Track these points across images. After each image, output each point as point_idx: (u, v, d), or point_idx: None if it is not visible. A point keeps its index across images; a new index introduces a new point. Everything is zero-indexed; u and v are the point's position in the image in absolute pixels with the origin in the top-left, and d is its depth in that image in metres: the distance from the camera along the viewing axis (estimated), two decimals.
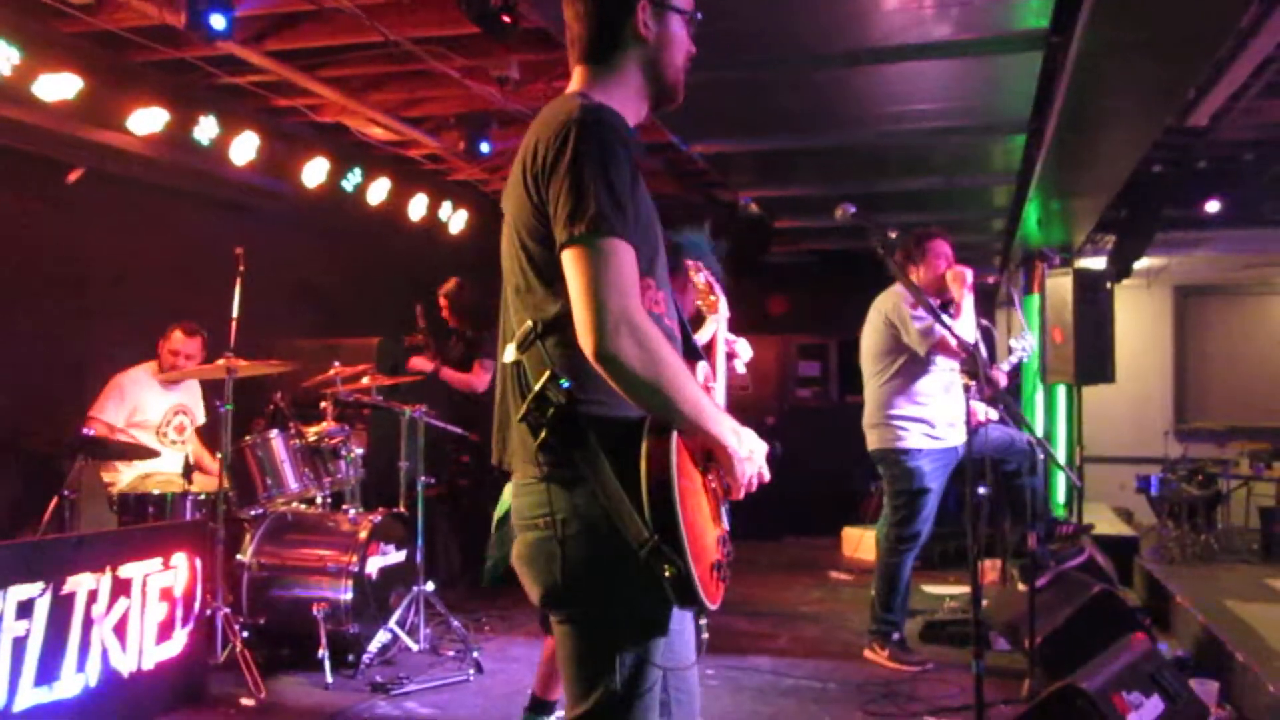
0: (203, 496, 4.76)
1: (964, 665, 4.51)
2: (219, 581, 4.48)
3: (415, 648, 4.95)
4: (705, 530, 1.77)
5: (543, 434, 1.73)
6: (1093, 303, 6.58)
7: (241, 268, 4.77)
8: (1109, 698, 3.12)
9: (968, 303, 4.71)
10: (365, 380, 5.35)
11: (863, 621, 5.20)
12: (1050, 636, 4.24)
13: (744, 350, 3.17)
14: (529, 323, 1.81)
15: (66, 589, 3.59)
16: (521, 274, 1.84)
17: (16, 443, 5.17)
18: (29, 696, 3.42)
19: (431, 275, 6.44)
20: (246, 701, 4.20)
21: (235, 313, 4.81)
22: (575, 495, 1.75)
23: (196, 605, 4.23)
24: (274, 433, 4.88)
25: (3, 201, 5.27)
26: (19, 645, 3.40)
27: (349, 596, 4.65)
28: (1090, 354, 6.51)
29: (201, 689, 4.25)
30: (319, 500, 5.11)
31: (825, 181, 7.10)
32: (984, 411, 4.67)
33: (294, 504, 5.06)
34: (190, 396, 5.47)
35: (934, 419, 4.85)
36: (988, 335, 5.05)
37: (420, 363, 6.13)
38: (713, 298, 2.96)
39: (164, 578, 4.07)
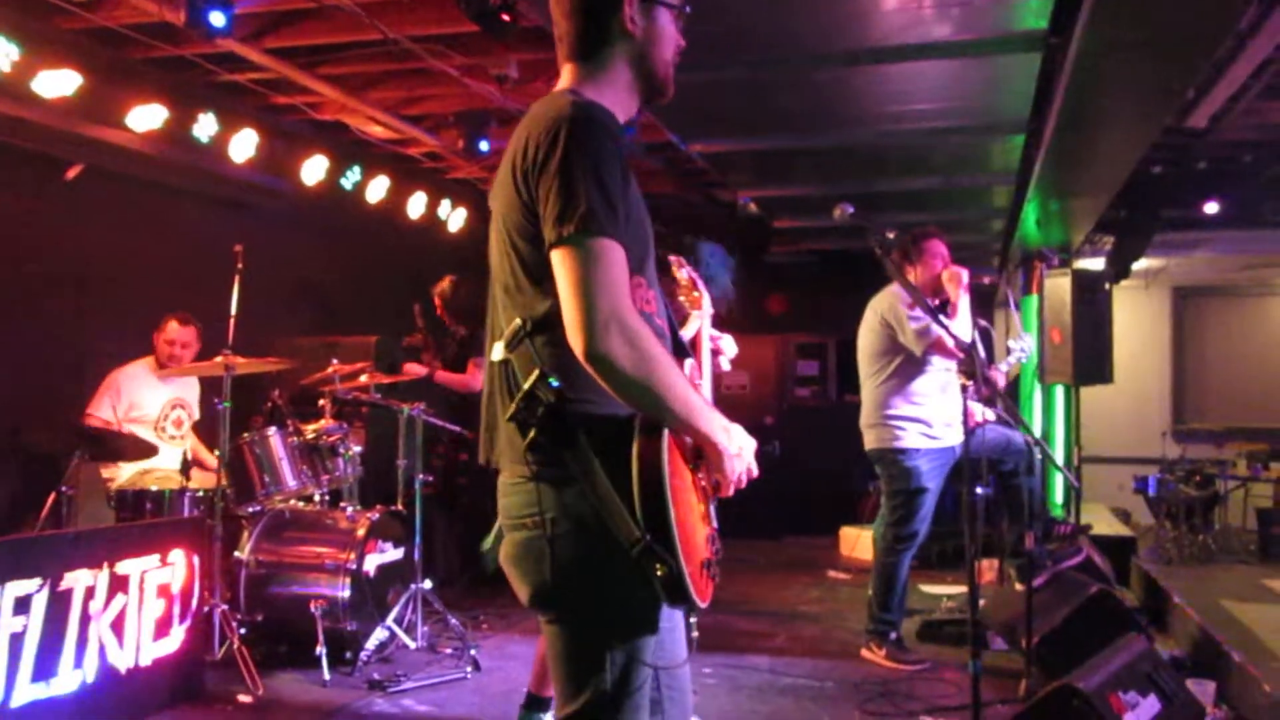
0: (201, 493, 4.76)
1: (961, 665, 4.52)
2: (217, 578, 4.48)
3: (413, 645, 4.95)
4: (696, 529, 1.77)
5: (532, 433, 1.72)
6: (1091, 303, 6.58)
7: (240, 265, 4.77)
8: (1106, 697, 3.13)
9: (964, 303, 4.72)
10: (363, 378, 5.35)
11: (860, 621, 5.20)
12: (1047, 636, 4.25)
13: (729, 346, 3.18)
14: (517, 321, 1.80)
15: (64, 585, 3.59)
16: (510, 272, 1.83)
17: (15, 439, 5.17)
18: (26, 692, 3.42)
19: (430, 273, 6.44)
20: (244, 698, 4.20)
21: (234, 310, 4.80)
22: (565, 494, 1.74)
23: (194, 602, 4.23)
24: (272, 430, 4.88)
25: (1, 199, 5.27)
26: (16, 641, 3.40)
27: (347, 594, 4.65)
28: (1088, 354, 6.51)
29: (199, 686, 4.25)
30: (317, 498, 5.11)
31: (824, 181, 7.10)
32: (981, 412, 4.68)
33: (292, 501, 5.05)
34: (187, 390, 5.48)
35: (931, 419, 4.85)
36: (986, 336, 5.06)
37: (414, 369, 6.11)
38: (696, 293, 2.95)
39: (162, 574, 4.07)
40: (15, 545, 3.64)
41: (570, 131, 1.71)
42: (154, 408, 5.27)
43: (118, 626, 3.83)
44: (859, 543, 8.15)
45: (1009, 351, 5.32)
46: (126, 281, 5.70)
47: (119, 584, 3.85)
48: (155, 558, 4.04)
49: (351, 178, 6.66)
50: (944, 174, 6.88)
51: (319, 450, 5.00)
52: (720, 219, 8.17)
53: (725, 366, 3.15)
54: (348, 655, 4.66)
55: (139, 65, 5.34)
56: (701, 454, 1.84)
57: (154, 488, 4.76)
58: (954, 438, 4.83)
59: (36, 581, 3.48)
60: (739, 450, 1.84)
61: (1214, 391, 10.49)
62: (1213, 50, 4.21)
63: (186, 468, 4.67)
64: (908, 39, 4.42)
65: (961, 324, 4.63)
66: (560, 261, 1.69)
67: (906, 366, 4.86)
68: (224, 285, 4.79)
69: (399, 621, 4.92)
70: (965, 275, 4.81)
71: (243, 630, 4.48)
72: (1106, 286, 6.86)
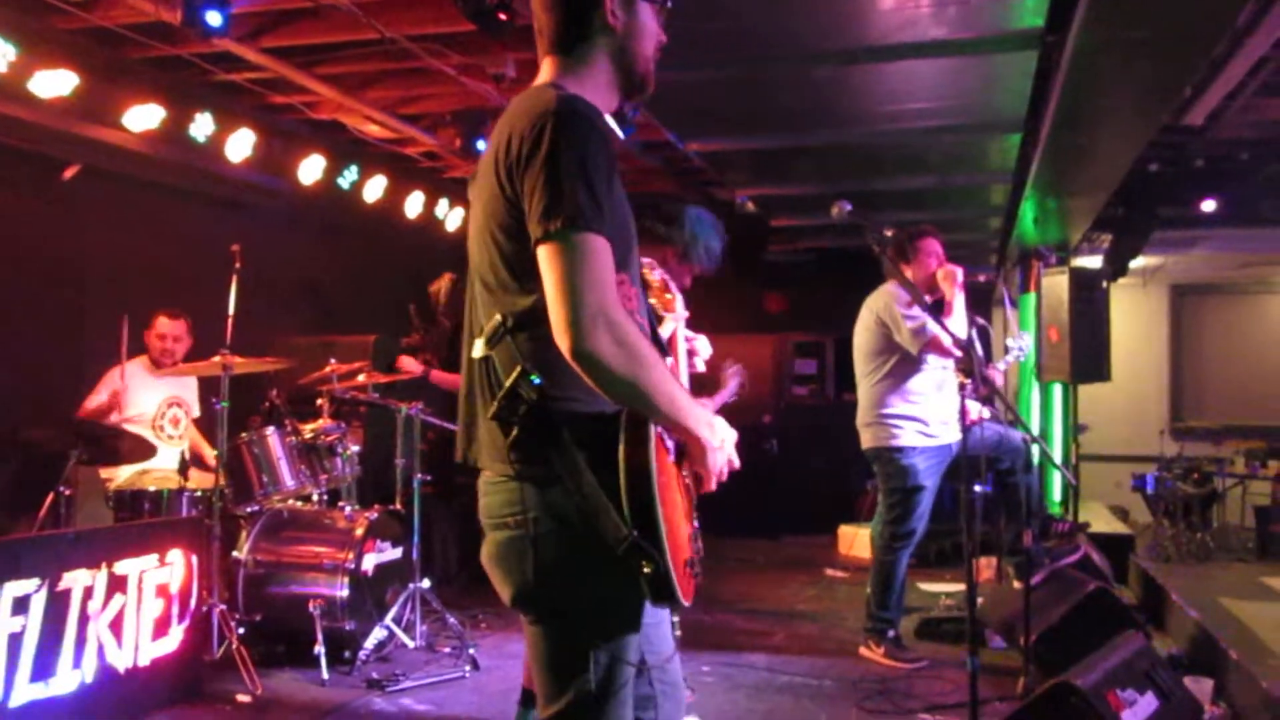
0: (199, 493, 4.76)
1: (959, 662, 4.51)
2: (215, 578, 4.48)
3: (411, 644, 4.95)
4: (680, 526, 1.76)
5: (514, 431, 1.70)
6: (1089, 301, 6.59)
7: (238, 265, 4.76)
8: (1103, 695, 3.13)
9: (959, 301, 4.74)
10: (361, 378, 5.34)
11: (858, 619, 5.21)
12: (1045, 634, 4.25)
13: (703, 347, 3.23)
14: (498, 317, 1.76)
15: (62, 585, 3.60)
16: (491, 268, 1.80)
17: (13, 439, 5.17)
18: (25, 692, 3.42)
19: (428, 272, 6.44)
20: (242, 698, 4.20)
21: (231, 310, 4.80)
22: (548, 493, 1.71)
23: (193, 602, 4.23)
24: (270, 430, 4.88)
25: None
26: (15, 641, 3.40)
27: (345, 593, 4.65)
28: (1086, 353, 6.52)
29: (197, 685, 4.25)
30: (315, 497, 5.11)
31: (822, 180, 7.10)
32: (977, 410, 4.68)
33: (290, 501, 5.05)
34: (184, 388, 5.47)
35: (927, 417, 4.86)
36: (984, 334, 5.06)
37: (409, 363, 6.10)
38: (669, 296, 2.97)
39: (160, 574, 4.08)
40: (14, 545, 3.65)
41: (556, 125, 1.68)
42: (150, 406, 5.27)
43: (116, 626, 3.83)
44: (857, 541, 8.14)
45: (1007, 350, 5.33)
46: (124, 281, 5.69)
47: (117, 584, 3.85)
48: (154, 558, 4.05)
49: (349, 177, 6.65)
50: (941, 172, 6.88)
51: (317, 450, 5.00)
52: (717, 217, 8.16)
53: (700, 367, 3.19)
54: (346, 654, 4.66)
55: (136, 65, 5.34)
56: (684, 450, 1.83)
57: (152, 488, 4.75)
58: (951, 436, 4.83)
59: (35, 581, 3.48)
60: (720, 443, 1.83)
61: (1212, 389, 10.51)
62: (1210, 48, 4.21)
63: (184, 468, 4.66)
64: (904, 38, 4.42)
65: (956, 322, 4.65)
66: (547, 258, 1.66)
67: (902, 365, 4.86)
68: (221, 285, 4.79)
69: (397, 621, 4.92)
70: (960, 273, 4.83)
71: (241, 630, 4.48)
72: (1104, 284, 6.87)
